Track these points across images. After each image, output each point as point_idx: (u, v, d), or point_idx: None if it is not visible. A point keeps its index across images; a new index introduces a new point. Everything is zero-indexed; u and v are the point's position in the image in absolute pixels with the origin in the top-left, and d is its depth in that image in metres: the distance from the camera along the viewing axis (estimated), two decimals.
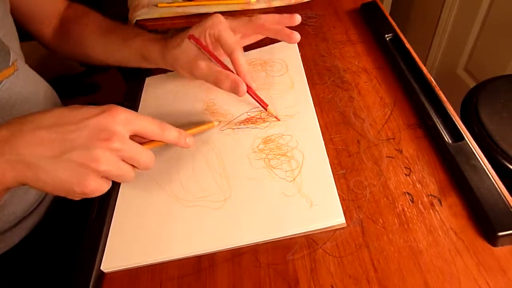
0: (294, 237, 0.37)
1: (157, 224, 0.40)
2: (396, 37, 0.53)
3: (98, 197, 0.44)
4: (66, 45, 0.62)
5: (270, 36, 0.49)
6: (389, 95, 0.47)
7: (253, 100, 0.47)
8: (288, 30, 0.47)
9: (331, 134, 0.44)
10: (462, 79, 1.27)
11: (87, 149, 0.32)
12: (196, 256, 0.38)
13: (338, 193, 0.38)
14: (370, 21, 0.57)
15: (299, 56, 0.55)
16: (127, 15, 0.78)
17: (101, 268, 0.38)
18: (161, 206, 0.42)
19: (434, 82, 0.46)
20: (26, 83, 0.52)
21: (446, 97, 0.44)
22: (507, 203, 0.34)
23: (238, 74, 0.45)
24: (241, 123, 0.48)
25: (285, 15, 0.49)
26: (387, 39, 0.53)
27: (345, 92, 0.49)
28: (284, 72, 0.53)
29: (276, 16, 0.49)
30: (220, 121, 0.48)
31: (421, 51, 1.43)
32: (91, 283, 0.37)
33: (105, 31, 0.57)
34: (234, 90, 0.45)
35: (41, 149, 0.32)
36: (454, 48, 1.28)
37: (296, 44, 0.57)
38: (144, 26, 0.75)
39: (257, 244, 0.37)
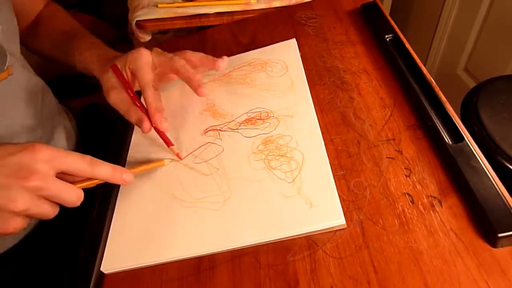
0: (294, 238, 0.37)
1: (157, 225, 0.40)
2: (396, 37, 0.53)
3: (98, 198, 0.44)
4: (34, 43, 0.62)
5: (182, 80, 0.49)
6: (389, 96, 0.47)
7: (250, 100, 0.47)
8: (197, 83, 0.47)
9: (331, 135, 0.44)
10: (462, 79, 1.27)
11: (4, 189, 0.32)
12: (196, 257, 0.38)
13: (338, 194, 0.38)
14: (370, 22, 0.57)
15: (299, 57, 0.55)
16: (127, 15, 0.78)
17: (101, 269, 0.38)
18: (161, 207, 0.42)
19: (434, 83, 0.46)
20: (19, 89, 0.51)
21: (446, 97, 0.44)
22: (507, 204, 0.34)
23: (148, 111, 0.45)
24: (240, 124, 0.48)
25: (210, 57, 0.51)
26: (387, 39, 0.53)
27: (345, 93, 0.49)
28: (284, 73, 0.53)
29: (202, 57, 0.51)
30: (172, 160, 0.46)
31: (421, 51, 1.43)
32: (91, 284, 0.37)
33: (65, 36, 0.58)
34: (139, 126, 0.45)
35: None
36: (454, 48, 1.27)
37: (296, 45, 0.57)
38: (144, 26, 0.75)
39: (257, 245, 0.37)
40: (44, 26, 0.61)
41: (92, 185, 0.38)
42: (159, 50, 0.49)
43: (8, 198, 0.32)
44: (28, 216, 0.34)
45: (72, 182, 0.37)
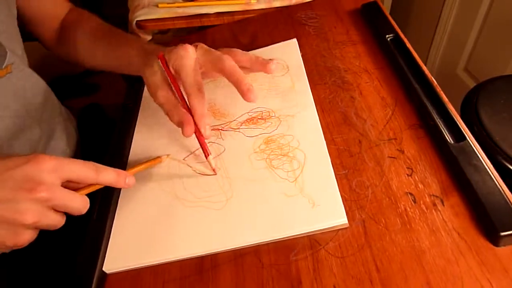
0: (297, 238, 0.37)
1: (159, 225, 0.40)
2: (397, 37, 0.53)
3: (99, 198, 0.44)
4: (62, 48, 0.62)
5: (229, 81, 0.43)
6: (390, 95, 0.47)
7: (250, 101, 0.46)
8: (246, 87, 0.41)
9: (332, 134, 0.44)
10: (462, 79, 1.27)
11: (11, 202, 0.32)
12: (199, 257, 0.38)
13: (340, 193, 0.38)
14: (371, 21, 0.57)
15: (300, 57, 0.55)
16: (127, 16, 0.78)
17: (103, 269, 0.38)
18: (163, 206, 0.42)
19: (435, 82, 0.46)
20: (18, 87, 0.50)
21: (446, 97, 0.44)
22: (509, 203, 0.34)
23: (193, 116, 0.42)
24: (242, 123, 0.48)
25: (260, 59, 0.45)
26: (388, 39, 0.53)
27: (346, 93, 0.49)
28: (285, 73, 0.53)
29: (252, 59, 0.46)
30: (169, 155, 0.46)
31: (421, 51, 1.43)
32: (93, 284, 0.37)
33: (97, 38, 0.57)
34: (180, 128, 0.42)
35: None
36: (454, 48, 1.28)
37: (297, 44, 0.57)
38: (144, 26, 0.75)
39: (259, 245, 0.37)
40: (69, 30, 0.60)
41: (93, 190, 0.38)
42: (205, 46, 0.44)
43: (17, 211, 0.32)
44: (38, 228, 0.34)
45: (75, 189, 0.36)
